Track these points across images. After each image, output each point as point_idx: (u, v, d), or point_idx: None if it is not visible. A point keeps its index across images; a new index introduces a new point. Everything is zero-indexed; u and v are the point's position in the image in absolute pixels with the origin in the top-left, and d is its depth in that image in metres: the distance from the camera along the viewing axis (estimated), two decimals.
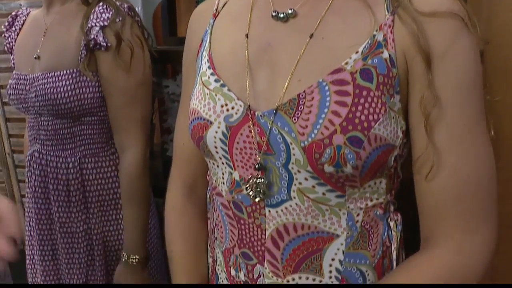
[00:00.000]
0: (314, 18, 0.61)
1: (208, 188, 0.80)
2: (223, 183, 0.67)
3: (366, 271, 0.65)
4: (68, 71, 1.05)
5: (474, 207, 0.57)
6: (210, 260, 0.80)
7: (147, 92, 1.10)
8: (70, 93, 1.04)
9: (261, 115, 0.61)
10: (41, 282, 1.20)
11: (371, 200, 0.63)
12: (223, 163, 0.66)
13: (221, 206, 0.69)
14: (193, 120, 0.67)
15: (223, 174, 0.67)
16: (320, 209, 0.61)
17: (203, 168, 0.80)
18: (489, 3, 1.18)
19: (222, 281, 0.74)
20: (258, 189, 0.62)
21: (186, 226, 0.80)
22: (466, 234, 0.57)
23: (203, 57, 0.69)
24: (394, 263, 0.67)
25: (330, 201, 0.61)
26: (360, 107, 0.55)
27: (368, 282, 0.65)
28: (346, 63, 0.57)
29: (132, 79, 1.06)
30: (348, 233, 0.63)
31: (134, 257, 1.11)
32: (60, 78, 1.05)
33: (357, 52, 0.57)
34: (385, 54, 0.57)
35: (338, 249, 0.63)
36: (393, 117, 0.58)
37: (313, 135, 0.56)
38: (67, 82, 1.04)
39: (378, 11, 0.58)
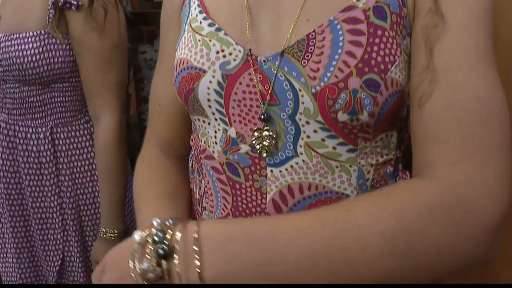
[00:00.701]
0: None
1: (191, 156, 0.73)
2: (215, 143, 0.60)
3: None
4: (34, 33, 0.96)
5: (486, 135, 0.47)
6: None
7: (122, 55, 1.03)
8: (37, 56, 0.96)
9: (264, 60, 0.54)
10: (14, 261, 1.14)
11: (382, 156, 0.58)
12: (216, 119, 0.59)
13: (211, 171, 0.62)
14: (181, 71, 0.59)
15: (215, 132, 0.60)
16: (329, 166, 0.56)
17: (181, 130, 0.73)
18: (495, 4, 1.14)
19: None
20: (264, 143, 0.55)
21: (157, 175, 0.70)
22: (476, 164, 0.46)
23: (191, 4, 0.62)
24: None
25: (340, 156, 0.55)
26: (375, 48, 0.50)
27: None
28: (358, 0, 0.52)
29: (106, 41, 0.98)
30: (358, 192, 0.57)
31: (112, 231, 1.06)
32: (25, 40, 0.96)
33: None
34: None
35: None
36: (406, 61, 0.53)
37: (326, 79, 0.50)
38: (34, 45, 0.96)
39: None
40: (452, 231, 0.44)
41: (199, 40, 0.58)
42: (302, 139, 0.55)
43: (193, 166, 0.72)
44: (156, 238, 0.45)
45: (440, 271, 0.45)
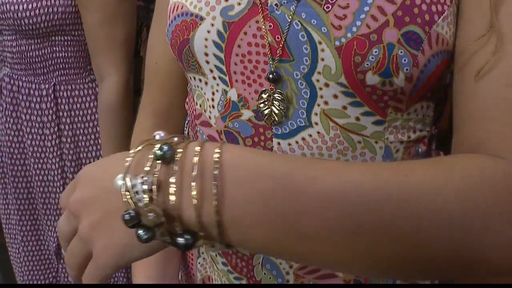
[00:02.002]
0: None
1: (187, 121, 0.66)
2: (213, 107, 0.51)
3: None
4: None
5: None
6: None
7: (130, 9, 0.96)
8: (34, 5, 0.89)
9: (276, 4, 0.44)
10: (17, 223, 1.12)
11: (415, 132, 0.48)
12: (214, 78, 0.49)
13: (207, 140, 0.53)
14: (174, 19, 0.50)
15: (213, 94, 0.51)
16: (350, 141, 0.45)
17: (179, 95, 0.64)
18: None
19: None
20: (274, 108, 0.46)
21: None
22: None
23: None
24: None
25: (365, 130, 0.45)
26: None
27: None
28: None
29: None
30: None
31: None
32: None
33: None
34: None
35: None
36: (455, 14, 0.42)
37: (354, 29, 0.41)
38: None
39: None
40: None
41: None
42: (319, 105, 0.45)
43: (189, 133, 0.63)
44: (159, 153, 0.33)
45: (480, 267, 0.35)
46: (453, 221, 0.33)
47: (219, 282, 0.60)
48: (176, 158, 0.32)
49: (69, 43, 0.96)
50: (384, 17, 0.40)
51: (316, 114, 0.45)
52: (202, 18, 0.47)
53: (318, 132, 0.46)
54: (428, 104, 0.48)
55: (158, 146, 0.33)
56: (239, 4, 0.46)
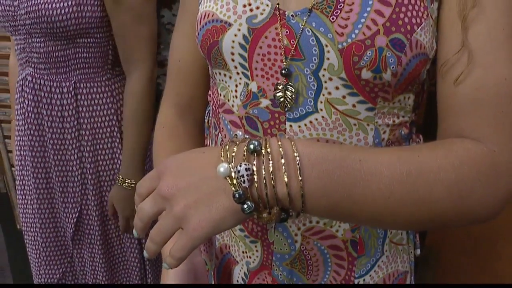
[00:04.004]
0: None
1: (207, 111, 0.76)
2: (236, 97, 0.61)
3: None
4: None
5: (511, 114, 0.52)
6: None
7: (153, 10, 1.07)
8: (67, 10, 0.99)
9: (292, 15, 0.55)
10: (35, 210, 1.20)
11: (398, 117, 0.60)
12: (238, 73, 0.60)
13: (229, 125, 0.64)
14: (205, 24, 0.60)
15: (236, 86, 0.61)
16: (348, 123, 0.58)
17: (199, 89, 0.74)
18: None
19: None
20: (288, 94, 0.56)
21: (177, 146, 0.72)
22: (504, 139, 0.52)
23: None
24: None
25: (359, 114, 0.57)
26: (403, 8, 0.52)
27: None
28: None
29: None
30: None
31: (129, 181, 1.10)
32: None
33: None
34: None
35: None
36: (431, 25, 0.54)
37: (353, 36, 0.52)
38: None
39: None
40: (488, 190, 0.50)
41: None
42: (323, 95, 0.56)
43: (209, 121, 0.74)
44: (252, 147, 0.46)
45: (468, 219, 0.51)
46: (451, 187, 0.48)
47: (236, 248, 0.70)
48: (263, 151, 0.46)
49: (91, 44, 1.06)
50: (376, 27, 0.52)
51: (321, 102, 0.57)
52: (230, 24, 0.57)
53: (323, 117, 0.57)
54: (409, 95, 0.60)
55: (251, 142, 0.46)
56: (262, 14, 0.56)
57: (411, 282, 0.73)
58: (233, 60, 0.59)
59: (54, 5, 0.99)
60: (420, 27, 0.52)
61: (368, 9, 0.52)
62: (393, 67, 0.53)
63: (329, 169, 0.46)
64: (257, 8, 0.56)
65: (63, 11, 0.99)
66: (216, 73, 0.64)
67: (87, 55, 1.07)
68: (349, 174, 0.46)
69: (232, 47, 0.58)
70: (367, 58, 0.52)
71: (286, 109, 0.58)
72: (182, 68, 0.73)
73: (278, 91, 0.57)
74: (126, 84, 1.10)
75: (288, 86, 0.56)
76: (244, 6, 0.57)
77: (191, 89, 0.75)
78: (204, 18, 0.60)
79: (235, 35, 0.57)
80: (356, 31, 0.52)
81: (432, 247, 1.29)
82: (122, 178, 1.11)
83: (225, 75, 0.62)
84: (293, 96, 0.56)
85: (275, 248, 0.65)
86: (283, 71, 0.56)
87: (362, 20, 0.52)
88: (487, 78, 0.52)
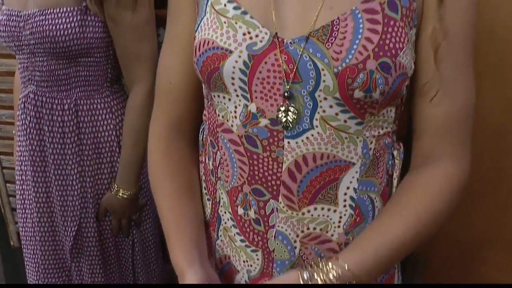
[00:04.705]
0: None
1: (201, 129, 0.78)
2: (235, 117, 0.66)
3: (375, 198, 0.69)
4: (69, 9, 1.04)
5: (468, 131, 0.67)
6: (208, 203, 0.77)
7: (153, 30, 1.12)
8: (70, 31, 1.04)
9: (290, 42, 0.60)
10: (35, 224, 1.22)
11: (382, 129, 0.67)
12: (237, 96, 0.64)
13: (228, 143, 0.68)
14: (206, 51, 0.64)
15: (235, 107, 0.65)
16: (340, 137, 0.63)
17: (191, 109, 0.77)
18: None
19: (226, 222, 0.73)
20: (289, 118, 0.61)
21: (173, 167, 0.75)
22: (463, 154, 0.68)
23: None
24: (394, 190, 0.71)
25: (350, 129, 0.63)
26: (389, 35, 0.59)
27: (376, 209, 0.70)
28: None
29: (139, 17, 1.06)
30: (362, 160, 0.66)
31: (123, 192, 1.14)
32: (60, 15, 1.04)
33: None
34: None
35: (353, 177, 0.66)
36: (410, 48, 0.62)
37: (347, 60, 0.58)
38: (68, 20, 1.04)
39: None
40: (453, 204, 0.68)
41: (225, 22, 0.63)
42: (318, 113, 0.62)
43: (204, 139, 0.76)
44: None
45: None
46: (445, 214, 0.66)
47: (237, 258, 0.74)
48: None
49: (91, 63, 1.10)
50: (367, 52, 0.58)
51: (317, 119, 0.62)
52: (231, 52, 0.62)
53: (318, 133, 0.63)
54: (391, 108, 0.66)
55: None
56: (261, 41, 0.61)
57: (398, 280, 0.79)
58: (233, 84, 0.64)
59: (58, 26, 1.03)
60: (402, 51, 0.60)
61: (359, 36, 0.58)
62: (381, 87, 0.59)
63: (372, 270, 0.63)
64: (257, 36, 0.61)
65: (66, 32, 1.03)
66: (214, 96, 0.68)
67: (88, 73, 1.11)
68: (386, 263, 0.64)
69: (233, 72, 0.62)
70: (359, 80, 0.58)
71: (288, 128, 0.63)
72: (173, 89, 0.75)
73: (280, 112, 0.62)
74: (128, 99, 1.15)
75: (290, 108, 0.62)
76: (244, 34, 0.61)
77: (183, 110, 0.77)
78: (203, 45, 0.64)
79: (236, 61, 0.62)
80: (350, 56, 0.58)
81: (420, 254, 1.34)
82: (117, 187, 1.15)
83: (224, 97, 0.66)
84: (295, 117, 0.62)
85: (275, 255, 0.70)
86: (286, 94, 0.61)
87: (355, 47, 0.58)
88: (454, 105, 0.65)
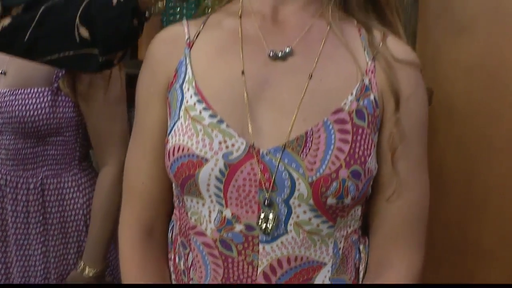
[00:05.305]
0: (309, 58, 0.66)
1: (170, 227, 0.76)
2: (209, 222, 0.65)
3: None
4: (40, 89, 1.04)
5: (421, 229, 0.70)
6: None
7: (124, 108, 1.12)
8: (39, 111, 1.03)
9: (266, 153, 0.62)
10: None
11: (350, 227, 0.69)
12: (212, 201, 0.65)
13: (201, 246, 0.67)
14: (181, 157, 0.64)
15: (210, 212, 0.65)
16: (313, 240, 0.65)
17: (162, 211, 0.75)
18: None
19: None
20: (268, 225, 0.62)
21: (147, 273, 0.72)
22: (415, 253, 0.70)
23: (184, 90, 0.67)
24: (361, 282, 0.72)
25: (322, 232, 0.65)
26: (358, 144, 0.62)
27: None
28: (344, 104, 0.64)
29: (111, 96, 1.07)
30: (333, 260, 0.67)
31: (90, 270, 1.10)
32: (30, 95, 1.03)
33: (351, 94, 0.64)
34: (371, 97, 0.65)
35: (325, 276, 0.67)
36: (375, 152, 0.65)
37: (321, 171, 0.61)
38: (38, 101, 1.03)
39: (360, 58, 0.67)
40: None
41: (200, 130, 0.63)
42: (293, 218, 0.63)
43: (173, 237, 0.74)
44: None
45: None
46: None
47: None
48: None
49: (61, 142, 1.09)
50: (339, 162, 0.61)
51: (291, 225, 0.64)
52: (207, 160, 0.62)
53: (292, 237, 0.64)
54: (358, 207, 0.69)
55: None
56: (237, 151, 0.63)
57: None
58: (208, 190, 0.64)
59: (28, 107, 1.02)
60: (370, 157, 0.64)
61: (332, 147, 0.62)
62: (352, 193, 0.63)
63: None
64: (233, 145, 0.62)
65: (36, 113, 1.03)
66: (186, 199, 0.68)
67: (56, 152, 1.10)
68: None
69: (209, 179, 0.63)
70: (332, 188, 0.61)
71: (268, 234, 0.63)
72: (144, 191, 0.73)
73: (260, 219, 0.63)
74: (98, 177, 1.14)
75: (270, 215, 0.63)
76: (220, 143, 0.62)
77: (154, 212, 0.74)
78: (177, 151, 0.64)
79: (212, 169, 0.62)
80: (324, 167, 0.61)
81: None
82: (83, 265, 1.11)
83: (197, 202, 0.66)
84: (274, 224, 0.63)
85: None
86: (266, 202, 0.62)
87: (328, 157, 0.61)
88: (408, 202, 0.68)
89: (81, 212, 1.14)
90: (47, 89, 1.04)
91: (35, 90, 1.04)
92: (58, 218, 1.12)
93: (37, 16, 0.69)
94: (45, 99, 1.03)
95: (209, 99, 0.65)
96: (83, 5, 0.68)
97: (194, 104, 0.65)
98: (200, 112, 0.64)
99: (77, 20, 0.68)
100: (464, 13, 1.34)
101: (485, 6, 1.32)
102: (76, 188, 1.13)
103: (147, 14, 0.70)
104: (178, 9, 1.58)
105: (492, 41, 1.33)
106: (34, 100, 1.03)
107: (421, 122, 0.68)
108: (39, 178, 1.10)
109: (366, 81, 0.65)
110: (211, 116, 0.64)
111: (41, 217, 1.11)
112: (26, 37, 0.69)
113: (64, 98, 1.05)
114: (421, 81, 0.69)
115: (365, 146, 0.63)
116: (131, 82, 1.48)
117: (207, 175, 0.63)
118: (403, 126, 0.65)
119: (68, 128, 1.08)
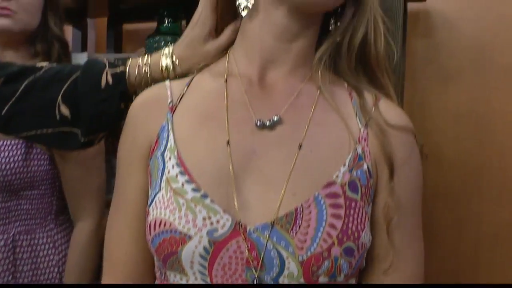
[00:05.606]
0: (299, 126, 0.62)
1: None
2: None
3: None
4: (13, 142, 0.99)
5: None
6: None
7: (101, 162, 1.08)
8: (12, 165, 0.97)
9: (253, 230, 0.57)
10: None
11: None
12: (196, 279, 0.59)
13: None
14: (162, 233, 0.59)
15: None
16: None
17: (148, 280, 0.70)
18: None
19: None
20: None
21: None
22: None
23: (166, 159, 0.63)
24: None
25: None
26: (351, 218, 0.58)
27: None
28: (337, 176, 0.59)
29: (88, 151, 1.01)
30: None
31: None
32: (3, 148, 0.98)
33: (344, 165, 0.60)
34: (365, 166, 0.61)
35: None
36: (368, 224, 0.61)
37: (312, 249, 0.56)
38: (11, 154, 0.98)
39: (352, 124, 0.63)
40: None
41: (183, 204, 0.59)
42: None
43: None
44: None
45: None
46: None
47: None
48: None
49: (35, 196, 1.03)
50: (331, 239, 0.57)
51: None
52: (190, 237, 0.57)
53: None
54: (352, 279, 0.64)
55: None
56: (222, 228, 0.57)
57: None
58: (192, 267, 0.59)
59: (0, 160, 0.97)
60: (364, 231, 0.59)
61: (323, 223, 0.57)
62: (345, 271, 0.58)
63: None
64: (217, 222, 0.58)
65: (8, 166, 0.97)
66: (169, 274, 0.62)
67: (30, 207, 1.04)
68: None
69: (192, 257, 0.58)
70: (324, 267, 0.56)
71: None
72: (127, 262, 0.68)
73: None
74: (73, 232, 1.09)
75: None
76: (204, 219, 0.58)
77: (140, 279, 0.70)
78: (159, 226, 0.60)
79: (196, 247, 0.57)
80: (315, 245, 0.56)
81: None
82: None
83: (181, 278, 0.61)
84: None
85: None
86: (255, 281, 0.57)
87: (319, 234, 0.57)
88: (403, 275, 0.63)
89: (55, 270, 1.07)
90: (20, 141, 0.99)
91: (8, 142, 0.99)
92: (30, 277, 1.05)
93: (19, 92, 0.66)
94: (19, 152, 0.98)
95: (192, 171, 0.61)
96: (68, 83, 0.66)
97: (176, 175, 0.61)
98: (183, 185, 0.60)
99: (60, 98, 0.66)
100: (450, 63, 1.35)
101: (470, 56, 1.33)
102: (51, 245, 1.07)
103: (133, 97, 0.68)
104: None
105: (478, 90, 1.33)
106: (6, 153, 0.98)
107: (416, 189, 0.65)
108: (11, 235, 1.03)
109: (359, 150, 0.62)
110: (194, 190, 0.59)
111: (10, 277, 1.03)
112: (4, 111, 0.67)
113: (38, 150, 1.01)
114: (415, 145, 0.65)
115: (359, 220, 0.59)
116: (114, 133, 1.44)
117: (191, 252, 0.58)
118: (398, 195, 0.62)
119: (44, 182, 1.03)
